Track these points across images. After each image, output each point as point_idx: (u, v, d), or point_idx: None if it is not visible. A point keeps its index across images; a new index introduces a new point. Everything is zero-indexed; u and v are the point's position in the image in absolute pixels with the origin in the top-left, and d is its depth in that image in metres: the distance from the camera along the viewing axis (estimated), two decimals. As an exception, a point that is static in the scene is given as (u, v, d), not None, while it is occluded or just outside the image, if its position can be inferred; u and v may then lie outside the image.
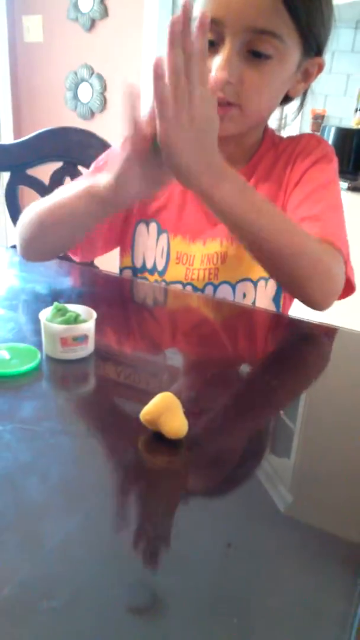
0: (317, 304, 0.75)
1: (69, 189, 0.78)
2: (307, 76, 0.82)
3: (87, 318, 0.62)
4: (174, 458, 0.48)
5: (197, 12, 0.74)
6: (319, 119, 2.50)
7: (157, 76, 0.60)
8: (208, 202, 0.68)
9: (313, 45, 0.78)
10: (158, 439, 0.48)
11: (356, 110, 2.43)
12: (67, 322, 0.60)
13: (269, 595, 0.35)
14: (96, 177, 0.72)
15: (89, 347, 0.62)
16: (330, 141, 2.18)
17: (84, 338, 0.61)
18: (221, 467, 0.48)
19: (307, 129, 2.53)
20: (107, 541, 0.38)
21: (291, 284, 0.76)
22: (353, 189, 1.90)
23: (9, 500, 0.41)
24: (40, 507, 0.40)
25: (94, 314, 0.63)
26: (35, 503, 0.41)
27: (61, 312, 0.62)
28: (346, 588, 0.36)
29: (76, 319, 0.61)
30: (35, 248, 0.86)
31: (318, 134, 2.36)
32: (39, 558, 0.36)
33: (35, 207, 0.83)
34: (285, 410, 0.58)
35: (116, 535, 0.39)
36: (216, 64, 0.73)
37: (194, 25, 0.60)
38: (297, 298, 0.77)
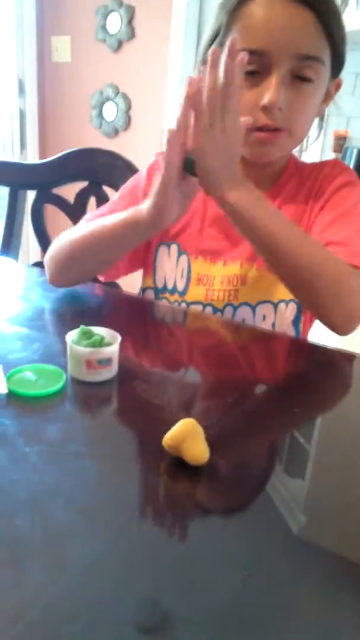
0: (338, 326, 0.75)
1: (103, 220, 0.82)
2: (328, 96, 0.86)
3: (112, 341, 0.64)
4: (195, 484, 0.48)
5: (238, 43, 0.77)
6: (341, 140, 2.51)
7: (194, 90, 0.66)
8: (226, 206, 0.72)
9: (340, 65, 0.83)
10: (180, 464, 0.49)
11: (379, 132, 2.43)
12: (92, 345, 0.61)
13: (285, 624, 0.36)
14: (137, 207, 0.77)
15: (113, 370, 0.63)
16: (352, 162, 2.19)
17: (108, 361, 0.62)
18: (241, 494, 0.49)
19: (330, 150, 2.55)
20: (129, 565, 0.39)
21: (312, 300, 0.76)
22: (375, 211, 1.89)
23: (34, 522, 0.42)
24: (64, 529, 0.42)
25: (119, 337, 0.64)
26: (60, 526, 0.42)
27: (87, 335, 0.63)
28: (365, 623, 0.36)
29: (101, 342, 0.62)
30: (68, 274, 0.90)
31: (340, 155, 2.37)
32: (63, 581, 0.37)
33: (67, 235, 0.87)
34: (306, 438, 0.58)
35: (138, 559, 0.40)
36: (264, 92, 0.76)
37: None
38: (319, 318, 0.78)
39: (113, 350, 0.63)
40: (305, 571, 0.40)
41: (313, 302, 0.77)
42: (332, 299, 0.73)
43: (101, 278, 0.98)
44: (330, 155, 2.54)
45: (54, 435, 0.53)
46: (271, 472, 0.52)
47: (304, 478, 0.52)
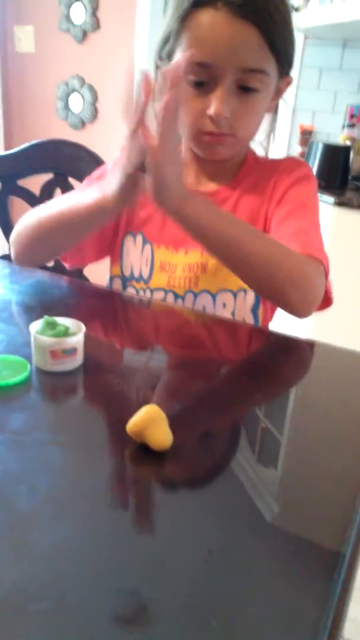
0: (297, 310, 0.77)
1: (70, 199, 0.83)
2: (278, 93, 0.89)
3: (77, 331, 0.64)
4: (159, 469, 0.49)
5: (186, 55, 0.79)
6: (307, 134, 2.55)
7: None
8: (180, 218, 0.72)
9: (287, 68, 0.85)
10: (144, 450, 0.50)
11: (343, 126, 2.48)
12: (57, 335, 0.62)
13: (246, 601, 0.37)
14: (100, 188, 0.77)
15: (77, 360, 0.64)
16: (317, 157, 2.23)
17: (73, 351, 0.63)
18: (203, 477, 0.50)
19: (296, 143, 2.58)
20: (93, 548, 0.40)
21: (269, 290, 0.79)
22: (340, 203, 1.93)
23: (-1, 509, 0.42)
24: (29, 515, 0.42)
25: (83, 327, 0.65)
26: (25, 512, 0.42)
27: (51, 325, 0.63)
28: (319, 594, 0.38)
29: (66, 332, 0.63)
30: (34, 253, 0.90)
31: (306, 148, 2.41)
32: (27, 563, 0.38)
33: (34, 214, 0.88)
34: (270, 421, 0.60)
35: (102, 542, 0.41)
36: (211, 102, 0.79)
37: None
38: (277, 304, 0.80)
39: (78, 340, 0.63)
40: (265, 549, 0.42)
41: (272, 295, 0.79)
42: (290, 290, 0.76)
43: (67, 264, 0.99)
44: (296, 148, 2.57)
45: (18, 424, 0.53)
46: (232, 455, 0.53)
47: (265, 460, 0.54)
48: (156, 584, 0.37)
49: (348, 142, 2.38)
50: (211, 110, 0.79)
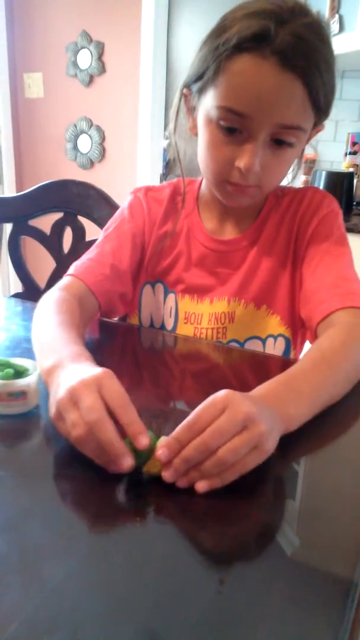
0: None
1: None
2: (307, 140, 0.84)
3: (27, 374, 0.61)
4: (170, 499, 0.50)
5: (220, 101, 0.74)
6: (310, 163, 2.59)
7: None
8: (295, 424, 0.61)
9: (323, 120, 0.81)
10: (152, 478, 0.50)
11: (346, 154, 2.52)
12: (3, 377, 0.60)
13: (258, 629, 0.37)
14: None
15: (28, 403, 0.61)
16: (321, 184, 2.26)
17: (20, 394, 0.60)
18: (212, 504, 0.50)
19: (300, 172, 2.62)
20: (104, 578, 0.40)
21: None
22: (345, 229, 1.95)
23: (12, 544, 0.43)
24: (41, 549, 0.43)
25: (37, 370, 0.62)
26: (37, 546, 0.43)
27: (3, 367, 0.61)
28: (332, 622, 0.38)
29: (16, 375, 0.61)
30: None
31: (310, 177, 2.45)
32: (40, 597, 0.38)
33: (48, 313, 0.78)
34: (281, 451, 0.60)
35: (112, 572, 0.41)
36: (241, 153, 0.76)
37: None
38: None
39: (26, 383, 0.60)
40: (277, 578, 0.42)
41: None
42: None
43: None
44: (300, 176, 2.61)
45: (26, 459, 0.54)
46: (240, 484, 0.54)
47: (277, 489, 0.54)
48: (168, 615, 0.38)
49: (351, 169, 2.42)
50: (241, 164, 0.75)
